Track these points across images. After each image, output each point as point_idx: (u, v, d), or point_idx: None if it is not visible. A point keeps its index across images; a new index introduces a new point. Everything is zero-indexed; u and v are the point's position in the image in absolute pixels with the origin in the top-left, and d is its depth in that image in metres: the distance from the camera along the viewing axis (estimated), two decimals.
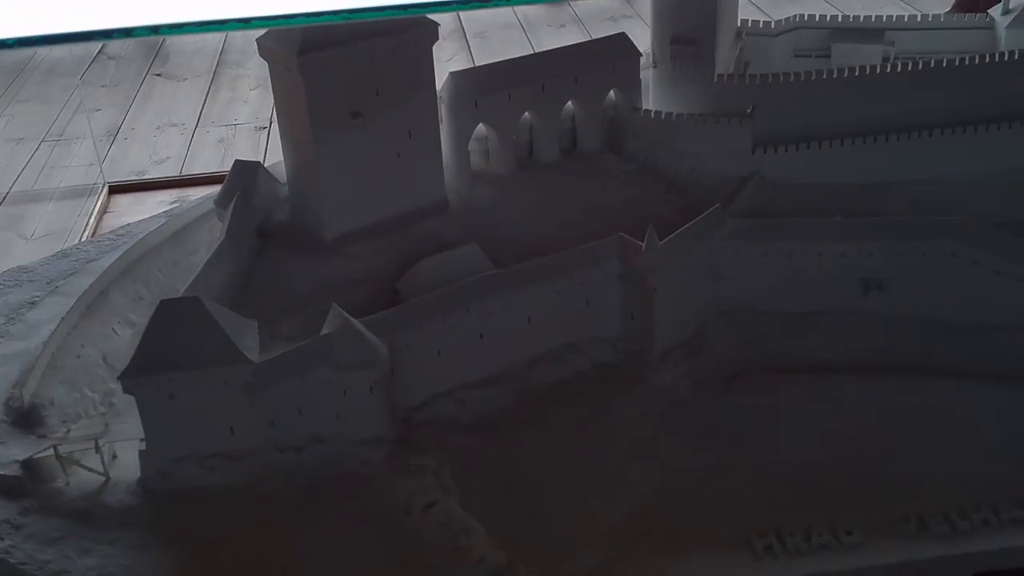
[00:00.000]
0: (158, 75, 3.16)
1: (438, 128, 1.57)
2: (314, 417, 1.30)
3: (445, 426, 1.39)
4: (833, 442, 1.44)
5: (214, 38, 3.32)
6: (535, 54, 1.74)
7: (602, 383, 1.48)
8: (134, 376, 1.22)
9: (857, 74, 1.68)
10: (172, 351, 1.22)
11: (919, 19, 1.91)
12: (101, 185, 2.47)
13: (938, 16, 1.91)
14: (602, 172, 1.70)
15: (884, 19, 1.92)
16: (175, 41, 3.32)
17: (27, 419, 1.36)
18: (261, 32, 1.43)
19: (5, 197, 2.43)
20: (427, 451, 1.34)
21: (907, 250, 1.54)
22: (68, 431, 1.36)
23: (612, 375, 1.49)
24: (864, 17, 1.94)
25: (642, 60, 1.73)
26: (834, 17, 1.95)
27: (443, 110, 1.61)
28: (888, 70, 1.68)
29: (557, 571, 1.30)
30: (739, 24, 1.95)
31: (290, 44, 1.40)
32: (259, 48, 1.47)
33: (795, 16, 1.94)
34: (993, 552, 1.33)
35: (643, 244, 1.43)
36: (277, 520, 1.26)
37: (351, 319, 1.28)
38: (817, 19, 1.93)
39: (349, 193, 1.50)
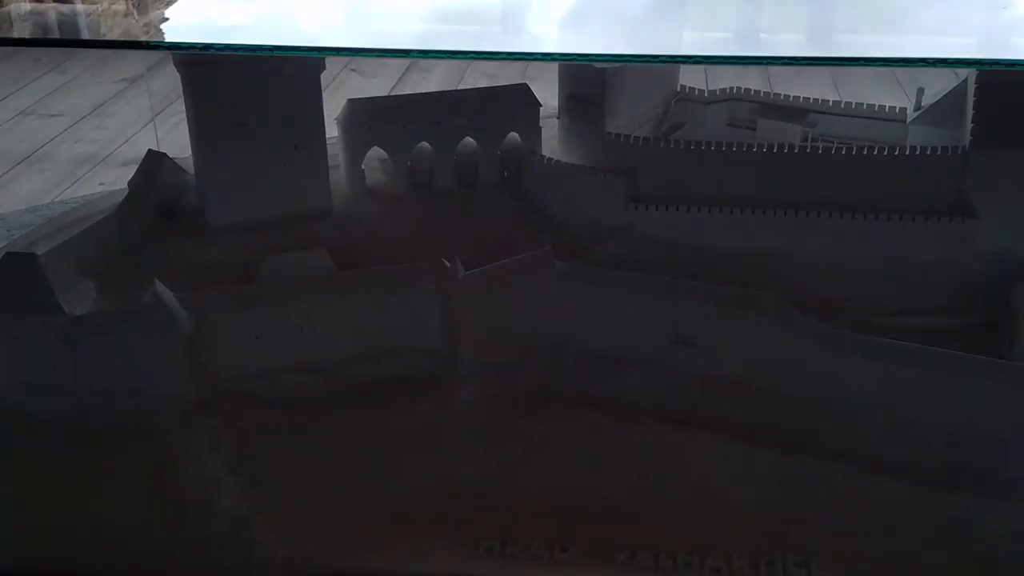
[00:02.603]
0: None
1: (324, 145, 1.78)
2: (125, 370, 1.53)
3: (250, 398, 1.59)
4: (598, 474, 1.55)
5: None
6: (439, 92, 1.93)
7: (410, 388, 1.64)
8: None
9: (735, 150, 1.77)
10: (9, 295, 1.49)
11: (842, 105, 1.97)
12: None
13: (861, 104, 1.96)
14: (487, 204, 1.87)
15: (811, 101, 1.99)
16: None
17: None
18: None
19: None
20: (219, 415, 1.55)
21: (715, 315, 1.62)
22: None
23: (423, 383, 1.65)
24: (793, 97, 2.01)
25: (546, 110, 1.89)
26: (767, 93, 2.03)
27: (339, 131, 1.82)
28: (755, 150, 1.77)
29: (302, 538, 1.48)
30: (678, 88, 2.07)
31: (182, 58, 1.65)
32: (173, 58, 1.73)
33: (731, 88, 2.04)
34: None
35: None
36: (73, 451, 1.51)
37: (161, 292, 1.51)
38: (752, 93, 2.03)
39: (233, 189, 1.74)
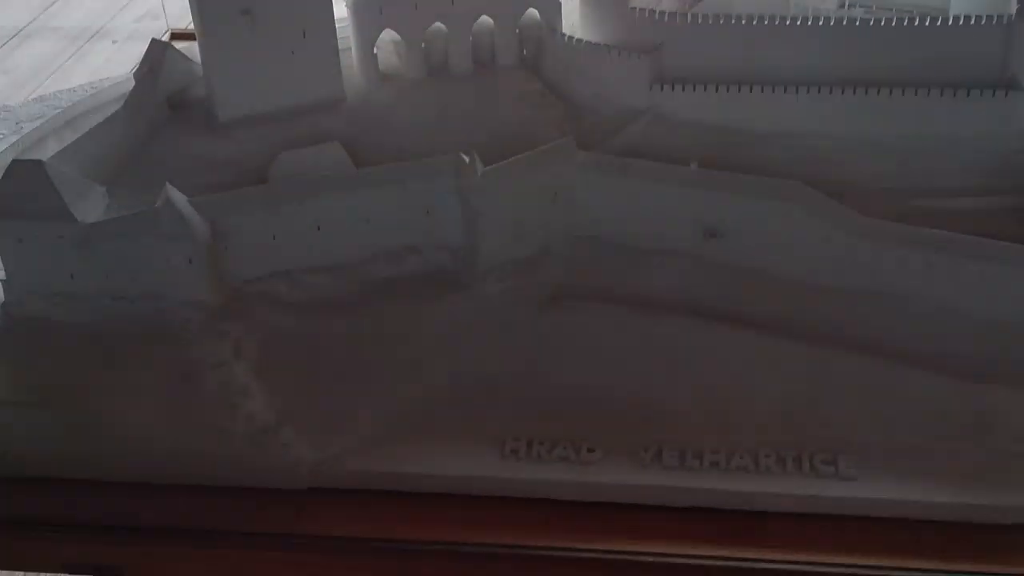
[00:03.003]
0: None
1: (334, 30, 1.71)
2: (144, 276, 1.52)
3: (271, 302, 1.58)
4: (621, 371, 1.54)
5: None
6: None
7: (431, 286, 1.62)
8: None
9: (767, 23, 1.68)
10: (20, 203, 1.47)
11: None
12: (164, 31, 2.72)
13: None
14: (508, 89, 1.80)
15: None
16: None
17: None
18: None
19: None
20: (241, 320, 1.54)
21: (743, 205, 1.57)
22: None
23: (444, 280, 1.63)
24: None
25: None
26: None
27: (349, 14, 1.74)
28: (797, 23, 1.68)
29: (328, 440, 1.49)
30: None
31: None
32: None
33: None
34: (708, 491, 1.43)
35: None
36: (97, 357, 1.51)
37: (174, 197, 1.48)
38: None
39: (240, 82, 1.68)
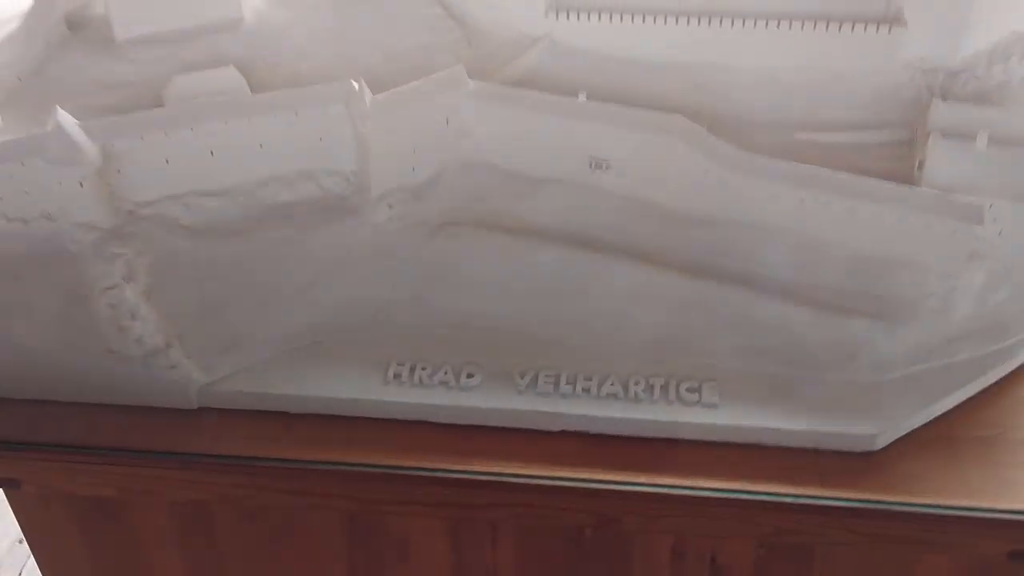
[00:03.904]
0: None
1: None
2: (38, 198, 1.54)
3: (164, 225, 1.61)
4: (504, 298, 1.60)
5: None
6: None
7: (323, 211, 1.65)
8: None
9: None
10: None
11: None
12: None
13: None
14: (406, 12, 1.81)
15: None
16: None
17: None
18: None
19: None
20: (132, 242, 1.58)
21: (627, 138, 1.61)
22: None
23: (337, 206, 1.66)
24: None
25: None
26: None
27: None
28: None
29: (218, 362, 1.55)
30: None
31: None
32: None
33: None
34: (578, 416, 1.51)
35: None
36: None
37: (64, 121, 1.50)
38: None
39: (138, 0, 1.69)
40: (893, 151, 1.68)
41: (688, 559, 1.58)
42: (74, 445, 1.51)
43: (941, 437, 1.52)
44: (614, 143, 1.62)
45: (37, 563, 1.79)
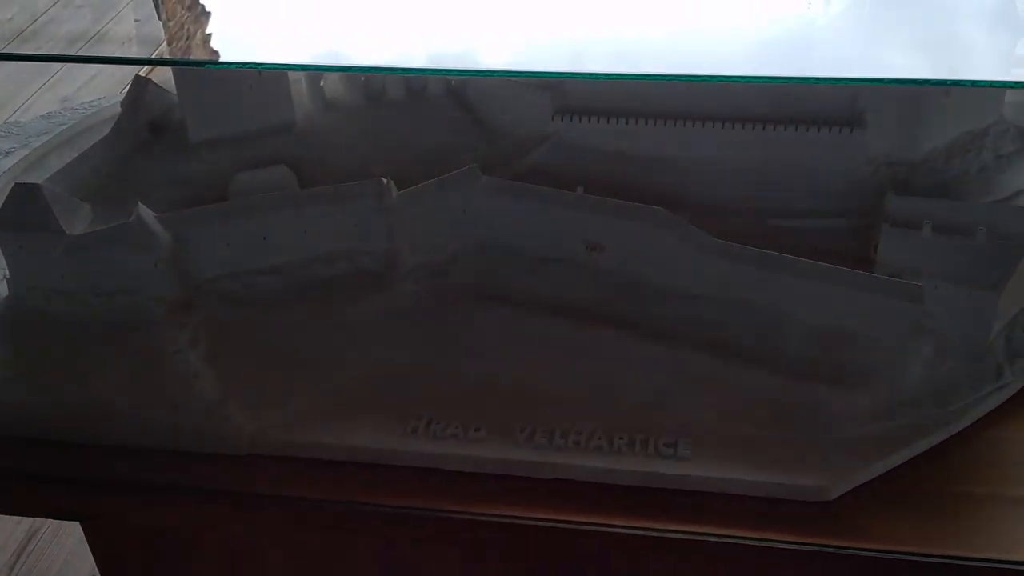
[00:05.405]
0: None
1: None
2: (119, 277, 1.85)
3: (223, 298, 1.91)
4: (509, 361, 1.85)
5: None
6: None
7: (356, 286, 1.94)
8: None
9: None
10: (20, 218, 1.81)
11: None
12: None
13: None
14: (435, 115, 2.10)
15: None
16: None
17: None
18: None
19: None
20: (197, 313, 1.87)
21: (616, 226, 1.87)
22: None
23: (369, 282, 1.94)
24: None
25: None
26: None
27: None
28: None
29: (265, 415, 1.83)
30: None
31: None
32: None
33: None
34: (568, 466, 1.74)
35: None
36: (80, 339, 1.85)
37: (143, 213, 1.81)
38: None
39: (207, 107, 2.00)
40: (855, 235, 1.91)
41: None
42: (143, 483, 1.79)
43: (892, 490, 1.71)
44: (606, 229, 1.87)
45: None
